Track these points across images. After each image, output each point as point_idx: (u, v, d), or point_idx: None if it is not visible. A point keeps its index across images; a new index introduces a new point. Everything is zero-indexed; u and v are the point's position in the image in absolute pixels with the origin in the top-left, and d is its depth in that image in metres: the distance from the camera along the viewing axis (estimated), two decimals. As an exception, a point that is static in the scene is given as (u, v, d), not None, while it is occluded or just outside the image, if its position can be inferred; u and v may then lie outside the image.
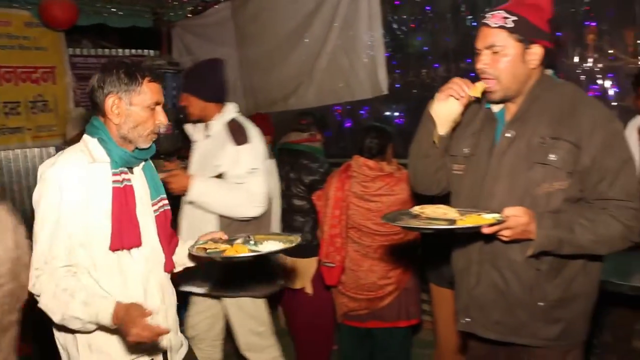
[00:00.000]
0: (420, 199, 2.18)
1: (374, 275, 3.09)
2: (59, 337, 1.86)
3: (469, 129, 2.01)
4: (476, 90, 1.85)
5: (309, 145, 3.57)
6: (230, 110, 2.90)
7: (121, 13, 5.78)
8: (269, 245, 1.91)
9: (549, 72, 1.93)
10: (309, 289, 3.45)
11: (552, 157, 1.78)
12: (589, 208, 1.81)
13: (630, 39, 4.03)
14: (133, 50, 6.54)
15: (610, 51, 4.13)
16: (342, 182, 3.12)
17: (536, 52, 1.82)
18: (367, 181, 3.07)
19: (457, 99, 1.86)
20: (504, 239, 1.76)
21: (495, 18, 1.81)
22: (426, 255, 3.10)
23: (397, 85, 5.12)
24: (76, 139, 3.90)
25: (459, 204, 1.93)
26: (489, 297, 1.92)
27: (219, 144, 2.81)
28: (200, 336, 3.07)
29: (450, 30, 4.55)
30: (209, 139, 2.89)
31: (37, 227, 1.73)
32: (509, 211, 1.72)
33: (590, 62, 4.22)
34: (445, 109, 1.91)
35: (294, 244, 1.91)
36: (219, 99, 2.90)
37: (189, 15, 6.28)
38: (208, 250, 1.88)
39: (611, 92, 4.18)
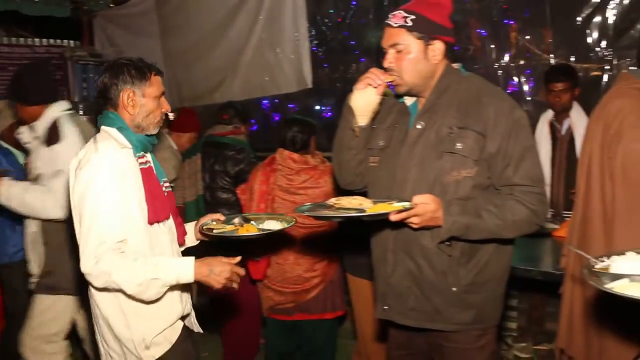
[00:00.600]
0: (345, 191, 2.21)
1: (300, 268, 3.09)
2: (108, 317, 1.96)
3: (385, 124, 2.07)
4: (390, 77, 1.93)
5: (234, 137, 3.55)
6: (54, 110, 2.93)
7: (36, 0, 5.50)
8: (272, 224, 2.16)
9: (457, 65, 2.00)
10: (235, 284, 3.42)
11: (459, 146, 1.85)
12: (496, 194, 1.88)
13: (544, 38, 4.23)
14: (51, 40, 6.25)
15: (528, 49, 4.33)
16: (267, 175, 3.11)
17: (438, 47, 1.90)
18: (291, 174, 3.07)
19: (375, 87, 1.93)
20: (414, 226, 1.81)
21: (396, 18, 1.89)
22: (343, 246, 3.14)
23: (325, 79, 5.17)
24: (7, 131, 3.76)
25: (374, 195, 1.98)
26: (405, 285, 1.97)
27: (38, 146, 2.90)
28: None
29: (374, 25, 4.63)
30: (36, 140, 2.93)
31: (89, 210, 1.84)
32: (417, 199, 1.77)
33: (507, 59, 4.40)
34: (363, 99, 1.97)
35: (292, 224, 2.15)
36: (43, 100, 2.92)
37: (111, 5, 6.08)
38: (215, 230, 2.13)
39: (526, 87, 4.37)
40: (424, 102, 1.97)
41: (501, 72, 4.33)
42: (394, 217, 1.74)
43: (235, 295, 3.43)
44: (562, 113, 3.61)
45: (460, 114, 1.88)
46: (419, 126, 1.94)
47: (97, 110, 2.06)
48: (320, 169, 3.09)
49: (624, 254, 1.42)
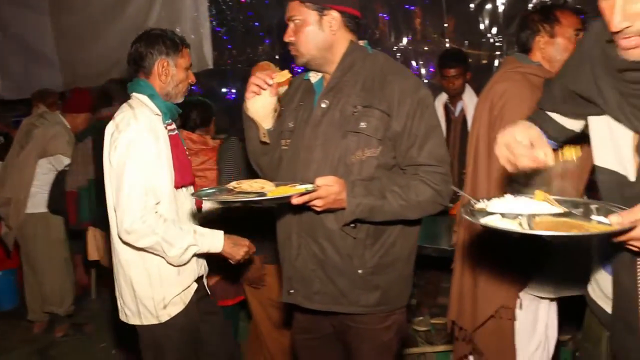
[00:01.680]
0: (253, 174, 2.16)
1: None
2: (132, 277, 2.08)
3: (293, 104, 2.02)
4: (282, 76, 1.91)
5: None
6: None
7: None
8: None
9: (363, 42, 1.96)
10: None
11: (363, 125, 1.81)
12: (401, 175, 1.87)
13: (442, 24, 4.38)
14: None
15: (427, 34, 4.46)
16: (166, 157, 3.01)
17: (334, 17, 1.86)
18: (190, 155, 2.97)
19: (265, 90, 1.90)
20: (317, 209, 1.76)
21: None
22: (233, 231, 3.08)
23: (228, 60, 5.08)
24: None
25: (280, 177, 1.92)
26: (309, 268, 1.92)
27: None
28: None
29: (276, 5, 4.60)
30: None
31: (132, 172, 1.94)
32: (320, 181, 1.73)
33: (406, 42, 4.52)
34: (259, 105, 1.93)
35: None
36: None
37: (-8, -25, 5.61)
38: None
39: (424, 71, 4.52)
40: (328, 79, 1.93)
41: (400, 54, 4.45)
42: (295, 201, 1.69)
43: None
44: (455, 96, 3.78)
45: (364, 92, 1.85)
46: (323, 105, 1.89)
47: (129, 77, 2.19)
48: (220, 151, 3.03)
49: (503, 196, 1.46)
